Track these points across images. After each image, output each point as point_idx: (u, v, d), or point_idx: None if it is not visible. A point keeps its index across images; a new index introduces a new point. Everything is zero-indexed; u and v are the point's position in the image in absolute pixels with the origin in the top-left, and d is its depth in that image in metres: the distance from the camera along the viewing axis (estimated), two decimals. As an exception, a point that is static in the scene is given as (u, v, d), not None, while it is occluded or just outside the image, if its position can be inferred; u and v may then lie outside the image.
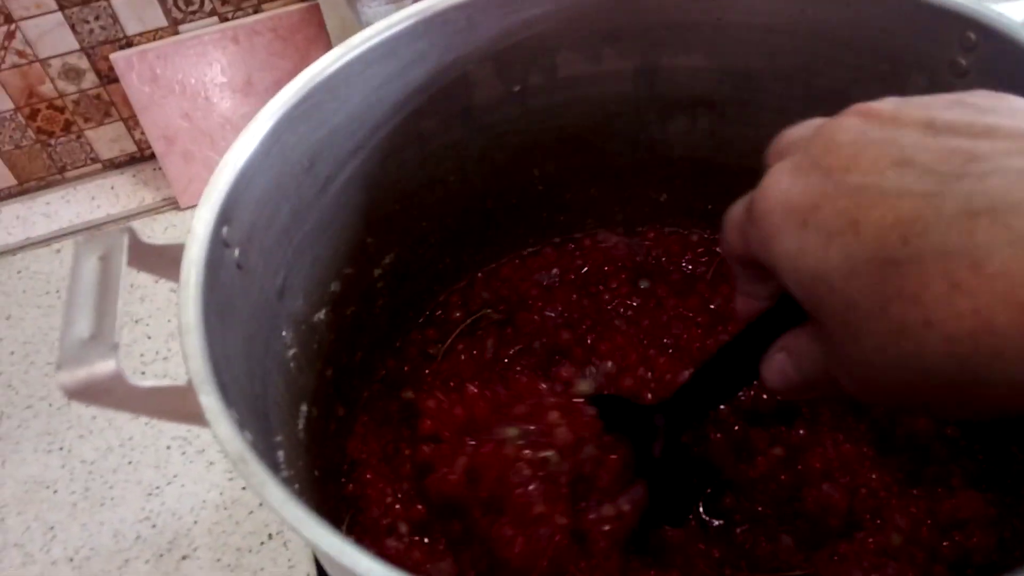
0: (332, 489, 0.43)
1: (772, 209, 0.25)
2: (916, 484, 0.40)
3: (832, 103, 0.43)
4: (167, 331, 0.68)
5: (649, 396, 0.44)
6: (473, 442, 0.41)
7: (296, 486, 0.34)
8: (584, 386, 0.45)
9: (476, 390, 0.44)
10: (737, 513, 0.41)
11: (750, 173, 0.48)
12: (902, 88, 0.40)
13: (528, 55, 0.44)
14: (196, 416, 0.26)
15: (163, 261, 0.31)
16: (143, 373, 0.66)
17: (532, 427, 0.40)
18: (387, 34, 0.39)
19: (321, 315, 0.41)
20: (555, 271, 0.53)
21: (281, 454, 0.33)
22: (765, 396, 0.43)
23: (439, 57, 0.41)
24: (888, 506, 0.39)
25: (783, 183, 0.25)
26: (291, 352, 0.38)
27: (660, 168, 0.50)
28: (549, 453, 0.39)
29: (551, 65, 0.45)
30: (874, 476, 0.40)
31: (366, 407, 0.47)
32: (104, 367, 0.25)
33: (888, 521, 0.39)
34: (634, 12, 0.43)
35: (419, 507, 0.42)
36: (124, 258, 0.28)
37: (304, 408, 0.39)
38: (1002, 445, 0.40)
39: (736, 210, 0.29)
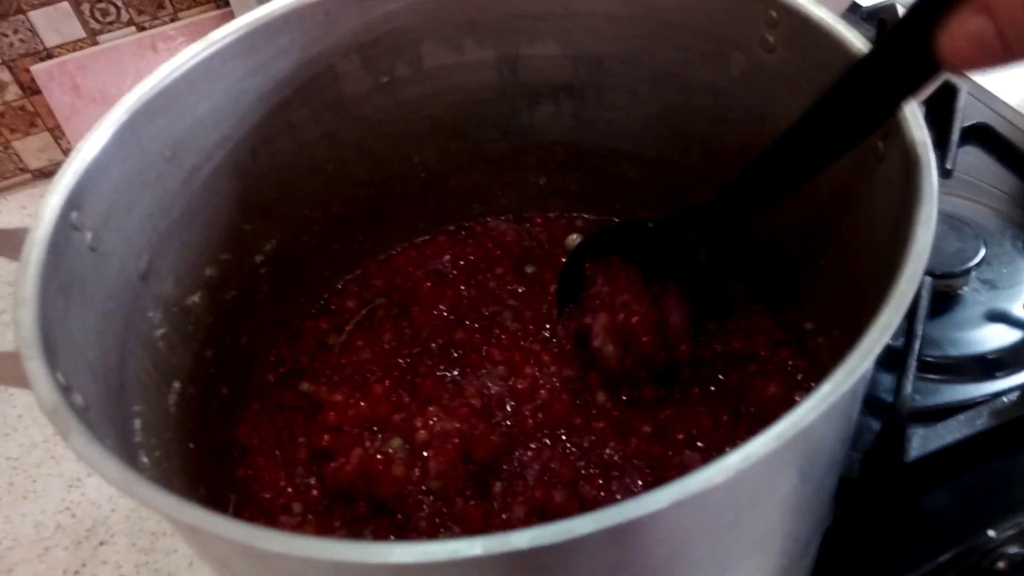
0: (217, 473, 0.45)
1: None
2: None
3: (672, 83, 0.47)
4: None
5: (543, 392, 0.46)
6: (368, 443, 0.44)
7: (157, 454, 0.36)
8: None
9: (382, 390, 0.47)
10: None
11: (616, 153, 0.52)
12: (725, 66, 0.43)
13: (392, 47, 0.46)
14: (27, 380, 0.28)
15: (11, 244, 0.33)
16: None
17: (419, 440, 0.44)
18: (246, 30, 0.41)
19: (196, 298, 0.43)
20: (447, 258, 0.55)
21: (138, 423, 0.35)
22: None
23: (302, 51, 0.44)
24: None
25: None
26: (159, 332, 0.40)
27: (534, 153, 0.53)
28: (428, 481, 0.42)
29: (416, 56, 0.47)
30: (729, 444, 0.43)
31: (259, 395, 0.49)
32: (-66, 336, 0.27)
33: None
34: (488, 3, 0.46)
35: (314, 492, 0.45)
36: (-33, 240, 0.31)
37: (177, 385, 0.41)
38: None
39: None
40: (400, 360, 0.50)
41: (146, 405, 0.37)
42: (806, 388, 0.44)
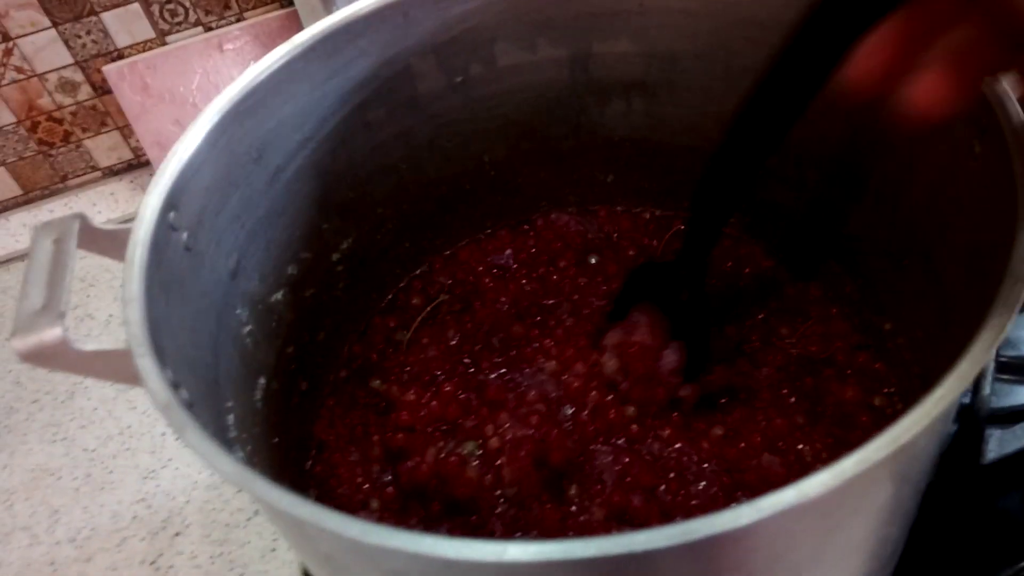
0: (297, 467, 0.46)
1: None
2: (843, 447, 0.43)
3: (748, 79, 0.46)
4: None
5: (594, 394, 0.46)
6: (441, 443, 0.45)
7: (249, 448, 0.37)
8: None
9: (451, 389, 0.47)
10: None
11: (686, 151, 0.51)
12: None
13: (467, 47, 0.47)
14: (136, 377, 0.29)
15: (114, 244, 0.34)
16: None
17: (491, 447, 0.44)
18: (328, 32, 0.42)
19: (279, 296, 0.44)
20: (508, 252, 0.55)
21: (232, 418, 0.37)
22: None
23: (380, 52, 0.45)
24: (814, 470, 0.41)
25: None
26: (247, 329, 0.41)
27: (603, 150, 0.53)
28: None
29: (490, 55, 0.48)
30: (805, 446, 0.43)
31: (333, 392, 0.50)
32: (52, 333, 0.29)
33: None
34: (563, 1, 0.46)
35: (389, 489, 0.45)
36: (74, 241, 0.32)
37: (263, 381, 0.42)
38: (917, 398, 0.42)
39: None
40: (465, 359, 0.50)
41: (236, 401, 0.38)
42: (885, 392, 0.44)
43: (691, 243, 0.43)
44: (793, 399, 0.44)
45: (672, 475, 0.42)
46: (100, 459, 0.64)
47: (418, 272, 0.56)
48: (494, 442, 0.44)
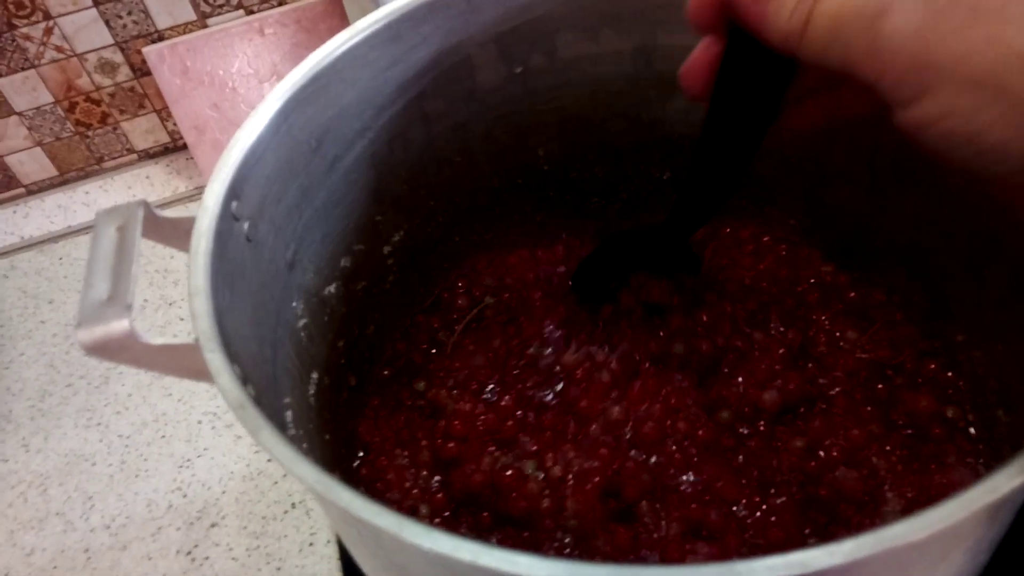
0: (345, 467, 0.45)
1: None
2: (915, 461, 0.41)
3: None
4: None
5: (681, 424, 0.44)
6: (498, 454, 0.43)
7: (304, 445, 0.36)
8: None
9: (509, 404, 0.46)
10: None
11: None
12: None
13: (529, 37, 0.45)
14: (203, 372, 0.28)
15: (177, 233, 0.33)
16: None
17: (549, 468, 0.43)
18: (391, 18, 0.41)
19: (332, 288, 0.43)
20: (562, 269, 0.53)
21: (289, 414, 0.35)
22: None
23: (442, 40, 0.43)
24: (886, 484, 0.40)
25: None
26: (302, 322, 0.40)
27: (661, 147, 0.51)
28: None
29: (551, 47, 0.46)
30: (879, 459, 0.41)
31: (378, 391, 0.49)
32: (119, 326, 0.28)
33: (881, 502, 0.40)
34: (631, -8, 0.44)
35: (439, 496, 0.44)
36: (139, 229, 0.31)
37: (315, 376, 0.41)
38: (991, 412, 0.40)
39: None
40: (515, 370, 0.48)
41: (293, 397, 0.37)
42: (957, 403, 0.42)
43: (682, 215, 0.42)
44: (868, 408, 0.43)
45: (754, 487, 0.40)
46: (135, 446, 0.64)
47: (463, 271, 0.54)
48: (556, 471, 0.42)
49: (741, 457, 0.41)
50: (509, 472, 0.42)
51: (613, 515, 0.40)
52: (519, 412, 0.45)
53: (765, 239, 0.51)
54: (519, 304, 0.51)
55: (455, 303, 0.53)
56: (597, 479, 0.41)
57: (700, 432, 0.42)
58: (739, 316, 0.48)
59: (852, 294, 0.48)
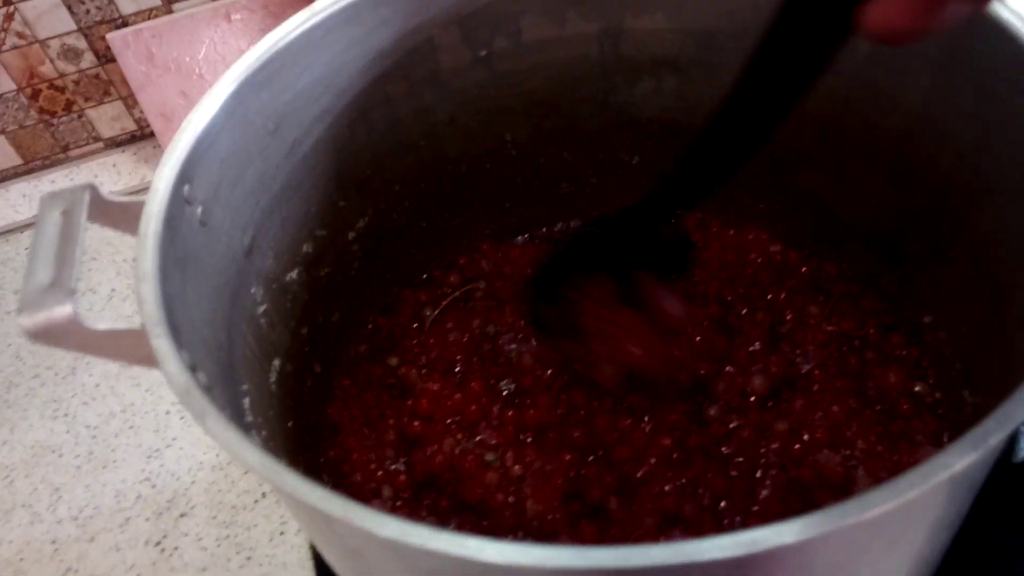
0: (312, 452, 0.45)
1: None
2: (883, 441, 0.41)
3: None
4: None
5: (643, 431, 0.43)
6: (460, 435, 0.43)
7: (264, 433, 0.36)
8: None
9: (479, 388, 0.46)
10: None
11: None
12: (852, 43, 0.40)
13: (493, 19, 0.45)
14: (150, 358, 0.28)
15: (127, 217, 0.32)
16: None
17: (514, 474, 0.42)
18: (349, 0, 0.40)
19: (294, 275, 0.43)
20: None
21: (247, 401, 0.35)
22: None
23: (403, 22, 0.43)
24: (860, 466, 0.40)
25: None
26: (262, 308, 0.40)
27: (630, 131, 0.51)
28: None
29: (516, 29, 0.46)
30: (858, 438, 0.41)
31: (349, 370, 0.49)
32: (61, 311, 0.27)
33: (854, 482, 0.40)
34: (595, -26, 0.44)
35: (402, 477, 0.44)
36: (84, 213, 0.30)
37: (277, 363, 0.41)
38: (956, 391, 0.41)
39: None
40: (488, 345, 0.48)
41: (252, 383, 0.37)
42: (926, 380, 0.42)
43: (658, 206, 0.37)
44: (844, 381, 0.43)
45: (741, 477, 0.40)
46: (103, 437, 0.63)
47: (465, 253, 0.54)
48: (517, 469, 0.42)
49: (725, 449, 0.41)
50: (470, 458, 0.41)
51: (577, 515, 0.40)
52: (484, 399, 0.45)
53: (714, 228, 0.51)
54: (510, 295, 0.51)
55: (447, 279, 0.53)
56: (560, 481, 0.40)
57: (691, 440, 0.42)
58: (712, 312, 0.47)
59: (804, 269, 0.48)
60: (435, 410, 0.45)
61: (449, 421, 0.44)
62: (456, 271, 0.53)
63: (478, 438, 0.43)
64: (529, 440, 0.43)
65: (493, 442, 0.44)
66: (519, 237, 0.55)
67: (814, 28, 0.26)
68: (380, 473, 0.44)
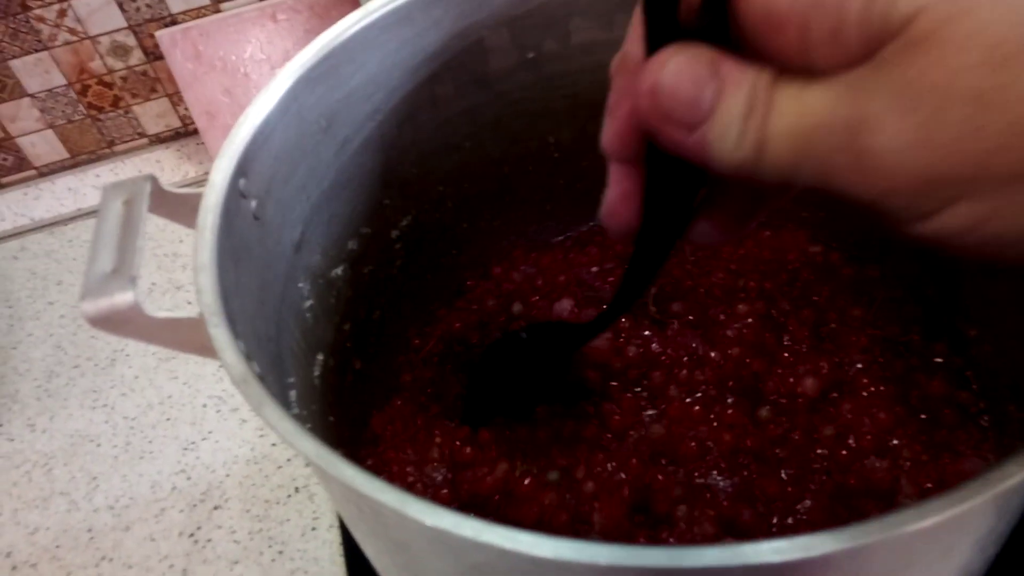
0: (349, 448, 0.45)
1: None
2: (927, 451, 0.41)
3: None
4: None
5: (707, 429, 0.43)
6: (518, 461, 0.42)
7: (308, 426, 0.36)
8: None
9: (542, 415, 0.45)
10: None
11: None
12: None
13: (542, 22, 0.45)
14: (207, 348, 0.28)
15: (184, 209, 0.33)
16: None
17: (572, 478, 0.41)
18: (402, 0, 0.41)
19: (339, 271, 0.43)
20: (595, 270, 0.52)
21: (293, 394, 0.35)
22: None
23: (454, 23, 0.43)
24: (904, 476, 0.40)
25: None
26: (308, 303, 0.40)
27: (673, 135, 0.51)
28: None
29: (565, 32, 0.46)
30: (903, 447, 0.41)
31: (402, 388, 0.48)
32: (123, 298, 0.27)
33: (899, 491, 0.39)
34: (645, -21, 0.44)
35: (444, 492, 0.43)
36: (146, 203, 0.31)
37: (320, 357, 0.41)
38: (1002, 405, 0.40)
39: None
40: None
41: (297, 377, 0.37)
42: (972, 390, 0.42)
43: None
44: (887, 388, 0.42)
45: (792, 482, 0.40)
46: (140, 428, 0.64)
47: (490, 268, 0.54)
48: (589, 487, 0.41)
49: (779, 451, 0.41)
50: (527, 479, 0.41)
51: (643, 525, 0.40)
52: (554, 423, 0.44)
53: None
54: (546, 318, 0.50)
55: (485, 303, 0.52)
56: (626, 492, 0.40)
57: (748, 442, 0.41)
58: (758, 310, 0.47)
59: (846, 271, 0.48)
60: (494, 439, 0.44)
61: (508, 449, 0.44)
62: (492, 282, 0.53)
63: (541, 462, 0.42)
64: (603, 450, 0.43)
65: (563, 462, 0.43)
66: (556, 238, 0.55)
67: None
68: (419, 487, 0.44)
